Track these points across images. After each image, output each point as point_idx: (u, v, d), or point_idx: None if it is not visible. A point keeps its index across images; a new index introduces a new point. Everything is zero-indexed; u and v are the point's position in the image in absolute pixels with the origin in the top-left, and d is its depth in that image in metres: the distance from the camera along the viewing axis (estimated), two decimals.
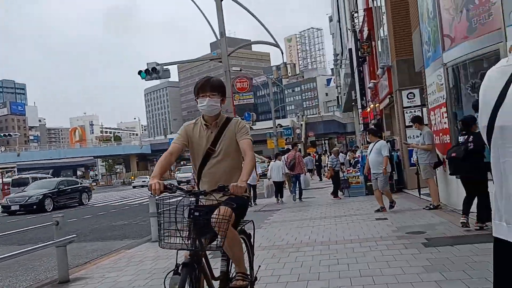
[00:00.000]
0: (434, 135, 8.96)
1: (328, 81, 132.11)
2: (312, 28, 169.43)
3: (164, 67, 19.96)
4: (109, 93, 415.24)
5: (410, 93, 13.89)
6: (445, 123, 8.45)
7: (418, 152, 9.05)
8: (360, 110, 26.48)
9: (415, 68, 12.31)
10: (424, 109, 12.40)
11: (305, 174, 14.49)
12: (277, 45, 18.59)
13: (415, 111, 13.90)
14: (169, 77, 20.09)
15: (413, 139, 13.93)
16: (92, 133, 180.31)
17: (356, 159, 15.57)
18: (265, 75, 45.64)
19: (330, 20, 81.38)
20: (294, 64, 19.07)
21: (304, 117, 62.04)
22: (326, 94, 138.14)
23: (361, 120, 24.25)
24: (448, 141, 8.35)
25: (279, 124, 54.32)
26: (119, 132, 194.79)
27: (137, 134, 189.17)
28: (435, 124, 9.19)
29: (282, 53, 19.89)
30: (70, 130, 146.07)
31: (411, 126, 14.02)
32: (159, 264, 6.19)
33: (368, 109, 21.27)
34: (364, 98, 25.66)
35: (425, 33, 9.30)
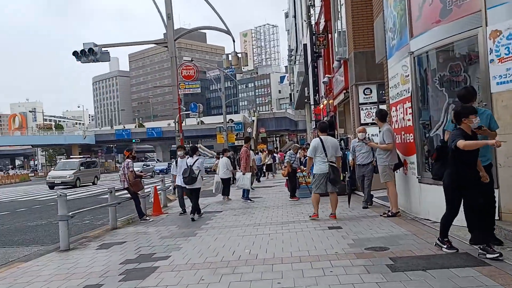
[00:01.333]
0: (395, 134, 7.98)
1: (282, 78, 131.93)
2: (268, 24, 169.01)
3: (103, 49, 18.08)
4: (56, 81, 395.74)
5: (367, 88, 13.02)
6: (408, 120, 7.47)
7: (377, 152, 8.05)
8: (313, 107, 25.70)
9: (375, 59, 11.37)
10: (382, 107, 11.51)
11: (243, 173, 12.44)
12: (228, 33, 17.21)
13: (371, 108, 13.06)
14: (109, 60, 18.19)
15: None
16: (35, 121, 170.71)
17: (307, 157, 14.53)
18: (219, 68, 44.04)
19: (286, 16, 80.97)
20: (246, 53, 17.70)
21: (256, 112, 60.98)
22: (279, 92, 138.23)
23: (313, 117, 23.41)
24: (411, 140, 7.39)
25: (230, 119, 53.01)
26: (65, 121, 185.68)
27: (83, 124, 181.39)
28: (396, 121, 8.23)
29: (234, 41, 18.49)
30: (9, 116, 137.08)
31: (367, 124, 13.19)
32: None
33: (321, 106, 20.40)
34: (317, 94, 24.88)
35: (389, 19, 8.29)
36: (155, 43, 18.36)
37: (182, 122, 17.09)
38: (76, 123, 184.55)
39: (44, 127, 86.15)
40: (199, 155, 11.47)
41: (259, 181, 21.09)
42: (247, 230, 7.46)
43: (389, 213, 7.69)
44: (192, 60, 37.91)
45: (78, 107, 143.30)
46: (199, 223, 8.79)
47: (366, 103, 13.05)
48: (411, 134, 7.41)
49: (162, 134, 64.15)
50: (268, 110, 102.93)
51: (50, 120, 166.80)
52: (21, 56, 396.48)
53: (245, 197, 12.51)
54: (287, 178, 12.92)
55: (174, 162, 11.13)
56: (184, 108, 17.16)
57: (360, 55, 12.75)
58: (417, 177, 7.19)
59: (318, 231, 6.83)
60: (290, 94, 67.30)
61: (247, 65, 17.81)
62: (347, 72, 13.69)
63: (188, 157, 9.99)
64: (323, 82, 16.51)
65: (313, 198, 8.15)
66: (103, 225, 9.97)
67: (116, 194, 9.34)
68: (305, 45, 33.75)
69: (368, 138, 9.20)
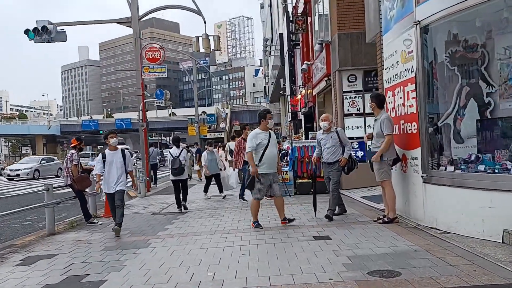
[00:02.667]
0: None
1: (256, 71, 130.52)
2: (242, 16, 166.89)
3: (59, 27, 16.19)
4: (24, 70, 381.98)
5: (352, 75, 11.71)
6: (411, 106, 6.15)
7: (371, 145, 6.71)
8: (289, 97, 24.39)
9: (361, 42, 10.09)
10: (367, 95, 10.22)
11: (233, 169, 11.18)
12: (199, 13, 15.64)
13: (356, 97, 11.78)
14: (65, 41, 16.32)
15: (351, 130, 11.82)
16: (1, 110, 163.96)
17: (283, 152, 13.16)
18: (192, 57, 42.16)
19: (261, 7, 79.28)
20: (219, 36, 16.14)
21: (229, 105, 59.39)
22: (254, 85, 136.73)
23: (290, 108, 22.08)
24: (414, 131, 6.08)
25: (203, 112, 51.24)
26: (32, 111, 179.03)
27: (51, 114, 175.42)
28: (393, 108, 6.90)
29: (205, 22, 16.91)
30: None
31: (351, 115, 11.91)
32: None
33: (299, 96, 19.07)
34: (294, 85, 23.57)
35: None
36: (117, 22, 16.48)
37: (146, 112, 15.43)
38: (44, 113, 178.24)
39: (6, 116, 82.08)
40: (187, 147, 10.33)
41: None
42: (214, 240, 6.01)
43: (385, 219, 6.38)
44: (161, 47, 35.96)
45: (43, 95, 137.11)
46: (156, 228, 7.28)
47: (350, 92, 11.75)
48: (414, 124, 6.09)
49: (132, 126, 61.71)
50: (242, 103, 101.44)
51: (17, 110, 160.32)
52: None
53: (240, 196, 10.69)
54: None
55: (100, 156, 7.25)
56: (149, 94, 15.45)
57: (345, 37, 11.43)
58: (422, 176, 5.89)
59: (302, 243, 5.44)
60: (265, 87, 65.81)
61: (219, 49, 16.27)
62: (329, 57, 12.36)
63: (172, 148, 9.67)
64: (301, 69, 15.17)
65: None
66: (44, 228, 8.34)
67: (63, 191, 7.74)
68: (281, 34, 32.43)
69: (337, 131, 7.21)
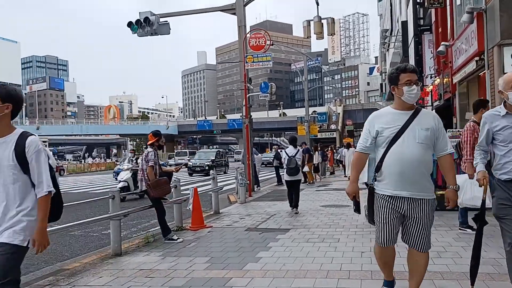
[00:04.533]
0: None
1: (371, 69, 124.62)
2: (357, 13, 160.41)
3: (161, 19, 15.34)
4: (150, 74, 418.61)
5: None
6: None
7: None
8: None
9: None
10: None
11: None
12: None
13: None
14: (168, 33, 15.47)
15: None
16: (131, 112, 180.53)
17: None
18: (302, 53, 40.21)
19: (379, 0, 74.48)
20: (333, 19, 13.82)
21: (342, 103, 56.21)
22: (368, 84, 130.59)
23: (419, 102, 18.73)
24: None
25: (314, 111, 49.05)
26: (156, 113, 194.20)
27: (173, 116, 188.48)
28: None
29: (318, 3, 14.75)
30: (105, 108, 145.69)
31: None
32: None
33: (430, 87, 15.82)
34: (422, 76, 20.15)
35: None
36: (221, 10, 15.11)
37: (249, 107, 13.73)
38: (166, 115, 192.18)
39: (131, 117, 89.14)
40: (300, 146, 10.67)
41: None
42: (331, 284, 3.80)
43: None
44: (272, 44, 34.57)
45: (162, 97, 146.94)
46: (245, 256, 5.29)
47: None
48: None
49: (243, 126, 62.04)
50: (356, 103, 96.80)
51: (144, 112, 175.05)
52: (115, 50, 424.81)
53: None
54: None
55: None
56: (252, 87, 13.63)
57: (508, 1, 8.34)
58: None
59: None
60: (381, 85, 61.24)
61: (333, 35, 13.94)
62: (481, 30, 9.28)
63: (289, 147, 9.70)
64: (438, 52, 12.12)
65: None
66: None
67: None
68: (404, 22, 28.81)
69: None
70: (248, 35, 13.39)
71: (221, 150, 35.29)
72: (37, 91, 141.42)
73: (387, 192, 3.07)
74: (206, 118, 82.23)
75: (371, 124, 3.14)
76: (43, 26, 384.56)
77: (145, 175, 6.38)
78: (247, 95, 13.87)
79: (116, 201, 5.72)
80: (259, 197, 12.73)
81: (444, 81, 13.44)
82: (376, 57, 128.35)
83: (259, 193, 13.91)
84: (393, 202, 3.08)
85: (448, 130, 10.38)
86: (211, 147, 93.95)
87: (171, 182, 7.03)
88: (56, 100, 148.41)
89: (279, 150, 18.62)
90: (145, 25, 15.04)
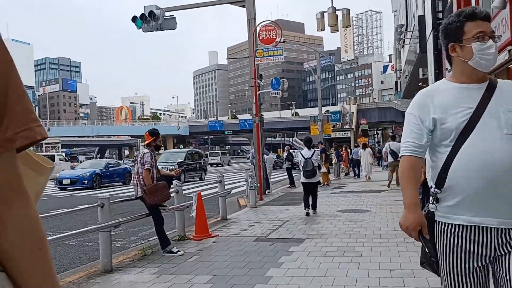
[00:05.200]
0: None
1: (385, 68, 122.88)
2: (370, 10, 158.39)
3: (167, 13, 14.68)
4: (163, 75, 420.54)
5: None
6: None
7: None
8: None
9: None
10: None
11: None
12: None
13: None
14: (174, 28, 14.81)
15: None
16: (143, 113, 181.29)
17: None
18: (315, 50, 39.29)
19: None
20: (348, 10, 12.96)
21: (356, 101, 55.10)
22: (382, 82, 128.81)
23: None
24: None
25: (327, 110, 48.06)
26: (169, 114, 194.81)
27: (185, 117, 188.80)
28: None
29: None
30: (116, 109, 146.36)
31: None
32: None
33: None
34: (441, 71, 19.17)
35: None
36: (229, 3, 14.38)
37: (260, 105, 12.95)
38: (178, 116, 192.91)
39: (142, 118, 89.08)
40: (314, 147, 10.30)
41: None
42: None
43: None
44: (284, 41, 33.71)
45: (173, 97, 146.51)
46: (253, 275, 4.50)
47: None
48: None
49: None
50: (370, 101, 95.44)
51: (155, 113, 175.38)
52: (128, 51, 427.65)
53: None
54: None
55: None
56: (262, 83, 12.80)
57: None
58: None
59: None
60: (396, 83, 60.02)
61: (349, 27, 13.10)
62: None
63: (304, 149, 9.34)
64: None
65: None
66: (114, 252, 6.21)
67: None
68: (421, 17, 27.79)
69: None
70: (257, 28, 12.60)
71: (195, 150, 28.79)
72: (50, 92, 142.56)
73: (461, 220, 1.81)
74: (217, 119, 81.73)
75: (423, 108, 1.90)
76: (55, 27, 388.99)
77: (141, 180, 5.65)
78: (257, 92, 13.09)
79: (106, 209, 4.99)
80: (271, 200, 11.95)
81: None
82: (390, 55, 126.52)
83: (271, 196, 13.13)
84: (474, 237, 1.80)
85: None
86: (225, 147, 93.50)
87: (171, 187, 6.29)
88: (69, 101, 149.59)
89: (291, 151, 17.87)
90: (150, 20, 14.39)
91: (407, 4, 40.07)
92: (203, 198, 7.11)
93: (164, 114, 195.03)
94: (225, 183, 9.97)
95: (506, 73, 10.51)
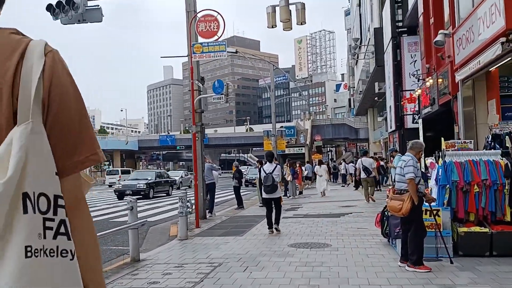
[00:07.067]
0: None
1: (338, 86, 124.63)
2: (324, 30, 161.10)
3: (89, 2, 12.32)
4: (116, 89, 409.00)
5: None
6: None
7: None
8: (392, 101, 18.67)
9: None
10: None
11: None
12: None
13: None
14: (100, 20, 12.42)
15: None
16: (94, 127, 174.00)
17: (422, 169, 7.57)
18: (269, 62, 37.58)
19: (346, 14, 73.67)
20: (303, 4, 11.11)
21: (311, 116, 54.11)
22: (335, 100, 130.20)
23: (403, 110, 16.15)
24: None
25: (281, 126, 46.53)
26: (121, 129, 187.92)
27: (139, 132, 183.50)
28: None
29: None
30: None
31: None
32: None
33: (418, 92, 13.26)
34: (401, 83, 17.85)
35: None
36: None
37: (201, 112, 10.74)
38: (132, 130, 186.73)
39: None
40: (278, 163, 9.93)
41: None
42: None
43: None
44: (236, 52, 31.81)
45: (121, 110, 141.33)
46: None
47: None
48: None
49: (208, 141, 58.71)
50: (324, 118, 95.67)
51: (107, 127, 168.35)
52: (82, 64, 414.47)
53: None
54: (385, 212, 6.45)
55: None
56: (200, 85, 10.63)
57: None
58: None
59: None
60: (349, 100, 59.84)
61: (304, 23, 11.28)
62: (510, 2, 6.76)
63: (266, 164, 9.08)
64: (435, 43, 9.54)
65: None
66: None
67: None
68: (377, 29, 26.93)
69: None
70: (195, 19, 10.43)
71: (162, 171, 29.59)
72: None
73: None
74: (169, 133, 78.52)
75: None
76: None
77: None
78: (197, 98, 10.87)
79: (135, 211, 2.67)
80: (209, 228, 9.67)
81: (439, 82, 10.90)
82: (342, 74, 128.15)
83: (211, 221, 10.85)
84: None
85: (449, 140, 7.61)
86: (179, 163, 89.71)
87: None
88: None
89: (240, 167, 15.79)
90: (68, 9, 11.95)
91: (361, 19, 39.60)
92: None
93: (116, 128, 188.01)
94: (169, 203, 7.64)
95: (485, 77, 8.97)
